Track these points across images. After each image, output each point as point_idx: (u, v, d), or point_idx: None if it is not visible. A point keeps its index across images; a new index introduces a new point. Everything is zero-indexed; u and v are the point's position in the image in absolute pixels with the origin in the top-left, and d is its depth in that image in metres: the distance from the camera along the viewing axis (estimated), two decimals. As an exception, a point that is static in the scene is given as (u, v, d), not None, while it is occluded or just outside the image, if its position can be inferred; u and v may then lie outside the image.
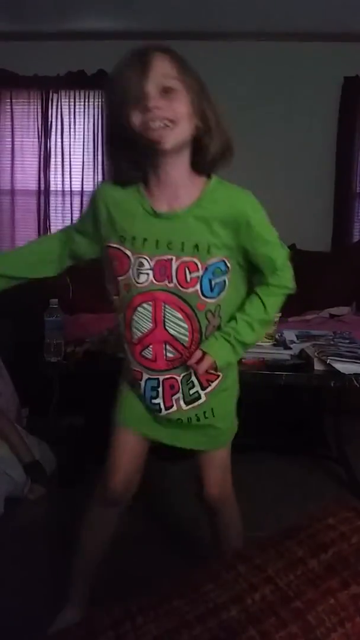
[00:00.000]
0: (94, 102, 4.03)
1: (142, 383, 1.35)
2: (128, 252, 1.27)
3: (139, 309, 1.29)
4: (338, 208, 3.96)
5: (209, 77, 1.22)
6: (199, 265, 1.26)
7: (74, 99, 4.04)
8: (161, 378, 1.34)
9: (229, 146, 1.25)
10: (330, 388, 2.27)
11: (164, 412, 1.36)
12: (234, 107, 3.69)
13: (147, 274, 1.26)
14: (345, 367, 1.88)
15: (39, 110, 4.04)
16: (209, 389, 1.37)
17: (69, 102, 4.05)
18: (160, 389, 1.35)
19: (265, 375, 1.95)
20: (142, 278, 1.26)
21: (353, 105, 3.88)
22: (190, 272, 1.26)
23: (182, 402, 1.37)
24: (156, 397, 1.35)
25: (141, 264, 1.26)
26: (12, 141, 4.08)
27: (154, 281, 1.27)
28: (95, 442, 2.56)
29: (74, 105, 4.05)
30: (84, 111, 4.04)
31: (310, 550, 0.61)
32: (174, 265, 1.25)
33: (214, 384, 1.37)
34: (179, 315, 1.29)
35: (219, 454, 1.46)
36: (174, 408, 1.37)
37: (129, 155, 1.23)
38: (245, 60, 3.80)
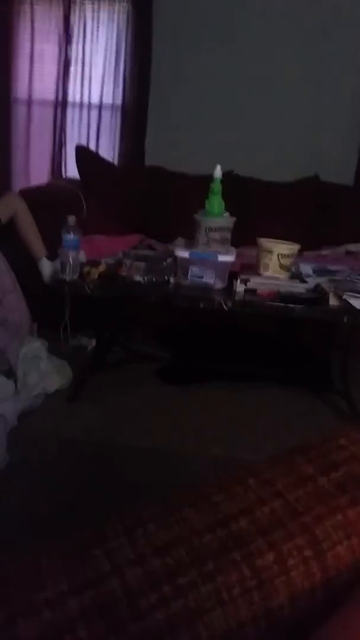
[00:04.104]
0: (119, 9, 3.78)
1: None
2: None
3: None
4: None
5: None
6: None
7: (99, 4, 3.79)
8: None
9: None
10: (343, 323, 2.27)
11: None
12: (267, 25, 3.47)
13: None
14: (360, 304, 1.88)
15: (61, 14, 3.80)
16: None
17: (93, 7, 3.81)
18: None
19: (279, 308, 1.95)
20: None
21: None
22: None
23: None
24: None
25: None
26: (32, 46, 3.87)
27: None
28: (101, 364, 2.61)
29: (98, 12, 3.80)
30: (108, 18, 3.80)
31: (321, 468, 0.63)
32: None
33: None
34: None
35: None
36: None
37: None
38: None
